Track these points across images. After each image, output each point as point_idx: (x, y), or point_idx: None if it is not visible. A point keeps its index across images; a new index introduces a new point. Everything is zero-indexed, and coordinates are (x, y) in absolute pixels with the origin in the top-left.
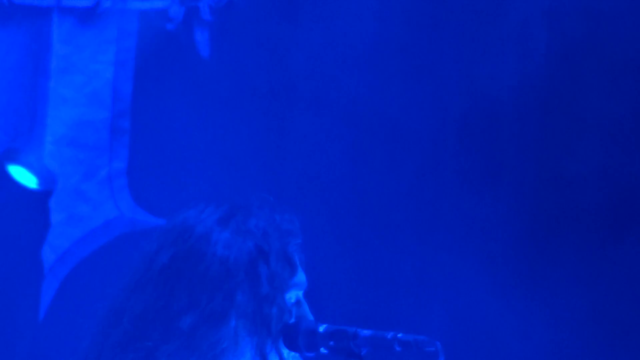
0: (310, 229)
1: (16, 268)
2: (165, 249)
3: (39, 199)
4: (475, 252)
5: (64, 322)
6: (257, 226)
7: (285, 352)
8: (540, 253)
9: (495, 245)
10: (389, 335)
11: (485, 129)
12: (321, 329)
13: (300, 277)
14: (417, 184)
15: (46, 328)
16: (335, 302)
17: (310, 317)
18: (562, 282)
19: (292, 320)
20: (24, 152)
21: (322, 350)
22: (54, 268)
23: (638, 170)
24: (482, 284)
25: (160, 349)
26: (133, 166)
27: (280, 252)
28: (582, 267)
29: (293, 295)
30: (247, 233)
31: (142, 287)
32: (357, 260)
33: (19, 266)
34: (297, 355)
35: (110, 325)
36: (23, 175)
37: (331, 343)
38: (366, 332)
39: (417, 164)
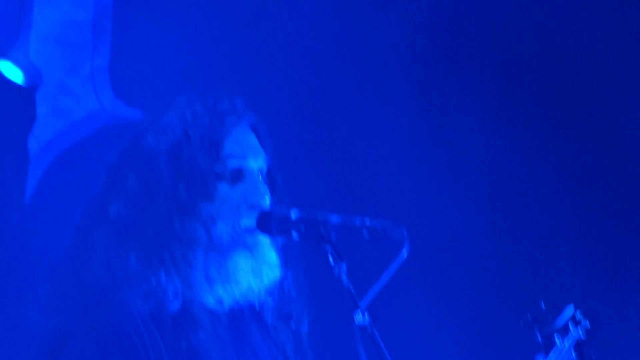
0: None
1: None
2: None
3: (25, 94)
4: None
5: (48, 206)
6: (193, 114)
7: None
8: None
9: None
10: (357, 221)
11: None
12: (293, 214)
13: (234, 150)
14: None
15: (31, 212)
16: (307, 189)
17: (261, 190)
18: None
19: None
20: (11, 49)
21: (294, 234)
22: (38, 157)
23: None
24: None
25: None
26: (114, 63)
27: (207, 134)
28: None
29: (230, 167)
30: (181, 122)
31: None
32: (328, 147)
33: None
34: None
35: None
36: (10, 71)
37: (302, 228)
38: (336, 218)
39: None
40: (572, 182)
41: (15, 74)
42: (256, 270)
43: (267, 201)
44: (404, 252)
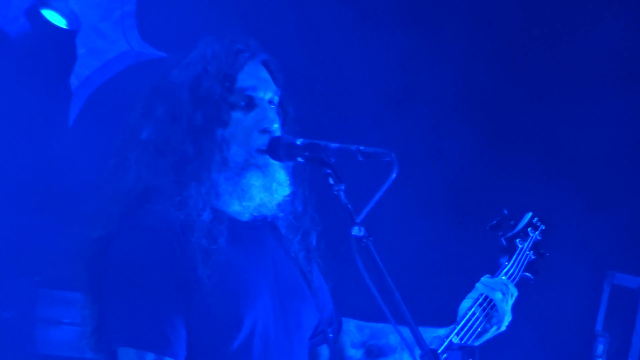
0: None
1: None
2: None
3: (68, 37)
4: None
5: (89, 132)
6: (212, 53)
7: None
8: None
9: None
10: (353, 147)
11: None
12: (299, 142)
13: (246, 82)
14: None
15: (75, 138)
16: (310, 120)
17: (270, 118)
18: None
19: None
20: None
21: (299, 159)
22: (78, 91)
23: None
24: None
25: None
26: (140, 10)
27: (222, 69)
28: None
29: (243, 97)
30: (202, 60)
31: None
32: (326, 81)
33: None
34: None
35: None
36: (55, 18)
37: (306, 153)
38: (335, 145)
39: None
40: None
41: (59, 21)
42: (267, 188)
43: (276, 128)
44: (394, 174)
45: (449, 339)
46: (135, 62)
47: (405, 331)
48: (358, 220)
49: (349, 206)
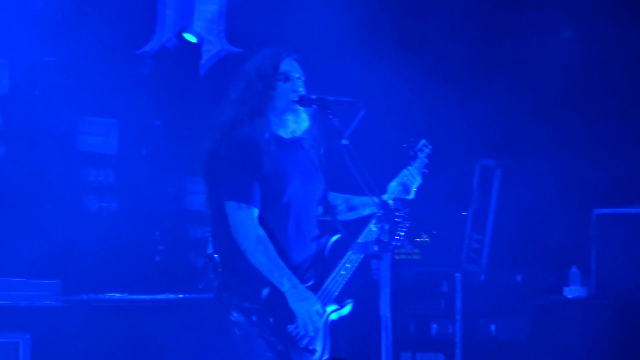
0: None
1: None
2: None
3: (197, 46)
4: None
5: (213, 86)
6: (269, 53)
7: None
8: None
9: None
10: (341, 98)
11: None
12: (313, 97)
13: (285, 68)
14: None
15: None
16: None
17: (298, 85)
18: None
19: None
20: (189, 28)
21: (314, 105)
22: (203, 70)
23: None
24: None
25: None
26: (228, 27)
27: (273, 61)
28: None
29: (282, 81)
30: (262, 58)
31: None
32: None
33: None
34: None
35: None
36: (190, 37)
37: (317, 102)
38: (332, 97)
39: None
40: None
41: (192, 38)
42: (297, 122)
43: (301, 90)
44: (362, 112)
45: (390, 199)
46: (225, 54)
47: (369, 198)
48: (345, 135)
49: (340, 128)
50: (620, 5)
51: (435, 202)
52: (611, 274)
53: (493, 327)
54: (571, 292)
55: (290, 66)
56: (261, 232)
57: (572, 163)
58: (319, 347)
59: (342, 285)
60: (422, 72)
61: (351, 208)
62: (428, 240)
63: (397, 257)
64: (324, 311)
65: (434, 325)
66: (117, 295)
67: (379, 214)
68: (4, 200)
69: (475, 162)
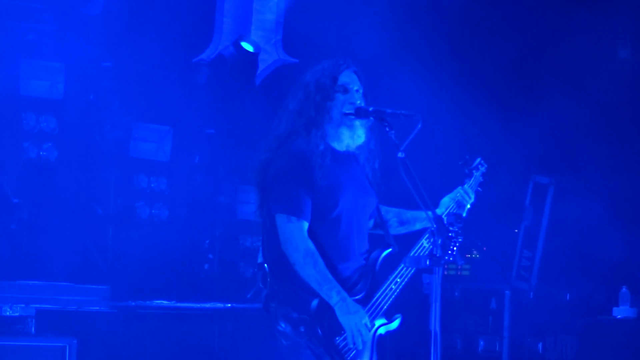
0: None
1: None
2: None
3: (254, 56)
4: None
5: (267, 97)
6: (328, 65)
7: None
8: None
9: None
10: (398, 111)
11: None
12: (370, 109)
13: (343, 80)
14: None
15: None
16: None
17: (356, 98)
18: None
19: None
20: (245, 37)
21: (371, 118)
22: (260, 78)
23: None
24: None
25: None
26: (284, 38)
27: (332, 73)
28: None
29: (340, 93)
30: (321, 69)
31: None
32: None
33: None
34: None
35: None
36: (247, 46)
37: (374, 114)
38: (389, 110)
39: None
40: None
41: (249, 47)
42: (352, 137)
43: (359, 103)
44: (419, 125)
45: (443, 214)
46: (281, 64)
47: (423, 213)
48: (401, 148)
49: (397, 141)
50: None
51: (487, 218)
52: None
53: (540, 346)
54: (620, 312)
55: (349, 78)
56: (310, 245)
57: (625, 182)
58: None
59: (391, 299)
60: (478, 87)
61: (403, 222)
62: (478, 256)
63: (446, 273)
64: (373, 325)
65: (481, 342)
66: (165, 302)
67: (432, 228)
68: (56, 204)
69: (528, 179)
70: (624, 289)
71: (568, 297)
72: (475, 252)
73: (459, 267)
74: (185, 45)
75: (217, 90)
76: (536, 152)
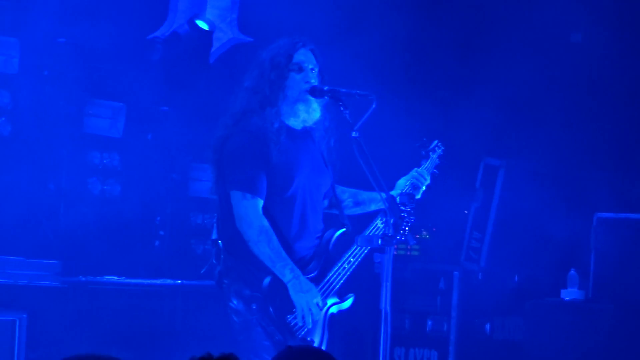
0: None
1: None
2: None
3: (209, 33)
4: None
5: (222, 74)
6: (284, 43)
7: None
8: None
9: None
10: (353, 91)
11: None
12: (325, 88)
13: (299, 58)
14: None
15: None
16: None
17: (310, 77)
18: None
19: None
20: (200, 15)
21: (326, 97)
22: (213, 58)
23: None
24: None
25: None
26: (240, 17)
27: (287, 51)
28: None
29: (294, 72)
30: (277, 47)
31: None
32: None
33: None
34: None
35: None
36: (202, 24)
37: (329, 94)
38: (344, 89)
39: None
40: None
41: (204, 25)
42: (308, 112)
43: (314, 82)
44: (374, 105)
45: (397, 195)
46: (236, 43)
47: (377, 194)
48: (355, 127)
49: (350, 120)
50: (629, 11)
51: (437, 199)
52: (609, 278)
53: (488, 326)
54: (568, 294)
55: (304, 57)
56: (265, 222)
57: (575, 166)
58: (316, 339)
59: (344, 279)
60: (431, 68)
61: (358, 203)
62: (428, 236)
63: (396, 253)
64: (325, 304)
65: (429, 322)
66: (116, 278)
67: (385, 208)
68: (6, 179)
69: (479, 161)
70: (572, 272)
71: (517, 279)
72: (425, 232)
73: (409, 247)
74: (139, 22)
75: (171, 67)
76: (487, 134)
